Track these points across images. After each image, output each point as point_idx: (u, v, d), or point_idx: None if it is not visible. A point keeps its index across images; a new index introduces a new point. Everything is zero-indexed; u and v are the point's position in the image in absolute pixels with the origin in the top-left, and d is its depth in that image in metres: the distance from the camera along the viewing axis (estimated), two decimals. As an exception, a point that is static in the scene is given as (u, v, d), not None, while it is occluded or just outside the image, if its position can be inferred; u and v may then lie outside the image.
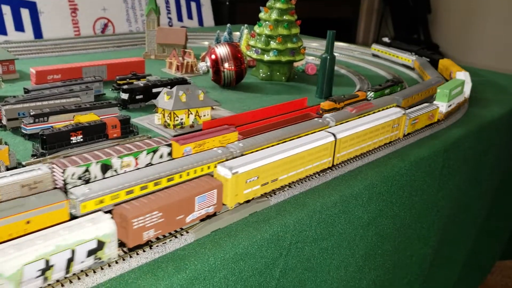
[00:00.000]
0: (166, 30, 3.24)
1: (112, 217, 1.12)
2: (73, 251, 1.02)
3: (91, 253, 1.06)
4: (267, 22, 2.80)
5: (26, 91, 2.09)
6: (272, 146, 1.54)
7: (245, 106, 2.36)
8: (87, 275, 1.07)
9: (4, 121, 1.86)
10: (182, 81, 2.34)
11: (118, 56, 2.96)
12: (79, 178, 1.30)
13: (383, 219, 1.82)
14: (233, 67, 2.56)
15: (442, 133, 2.21)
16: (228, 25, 3.42)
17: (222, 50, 2.56)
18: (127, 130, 1.80)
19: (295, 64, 3.06)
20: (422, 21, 7.47)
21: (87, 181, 1.32)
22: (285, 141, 1.58)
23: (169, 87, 2.13)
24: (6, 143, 1.57)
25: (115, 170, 1.38)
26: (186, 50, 3.02)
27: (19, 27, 4.27)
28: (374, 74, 3.20)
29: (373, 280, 1.90)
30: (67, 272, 1.03)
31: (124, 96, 2.16)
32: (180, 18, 5.10)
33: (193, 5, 5.18)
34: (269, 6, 2.81)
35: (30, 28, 4.30)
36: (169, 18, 5.05)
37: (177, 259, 1.18)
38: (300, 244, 1.45)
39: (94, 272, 1.08)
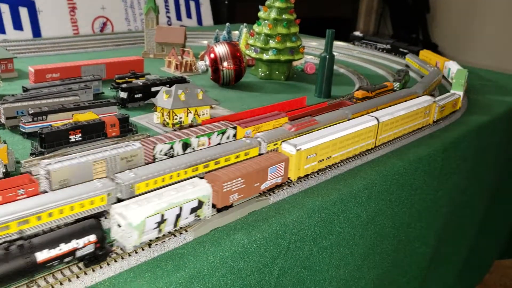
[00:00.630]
0: (165, 29, 3.24)
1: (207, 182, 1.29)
2: (180, 208, 1.21)
3: (193, 210, 1.25)
4: (266, 21, 2.80)
5: (25, 89, 2.08)
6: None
7: (244, 105, 2.35)
8: (86, 273, 1.07)
9: (2, 120, 1.86)
10: (181, 80, 2.34)
11: (117, 55, 2.95)
12: (165, 154, 1.50)
13: (382, 218, 1.82)
14: (232, 66, 2.56)
15: (442, 132, 2.21)
16: (227, 24, 3.41)
17: (221, 49, 2.56)
18: (126, 128, 1.80)
19: (294, 63, 3.06)
20: (421, 21, 7.47)
21: (171, 156, 1.49)
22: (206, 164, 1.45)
23: (168, 86, 2.12)
24: (4, 142, 1.56)
25: (193, 148, 1.57)
26: (185, 49, 3.01)
27: (17, 25, 4.27)
28: (373, 73, 3.20)
29: (372, 279, 1.90)
30: (175, 226, 1.22)
31: (123, 94, 2.15)
32: (179, 17, 5.09)
33: (192, 4, 5.18)
34: (268, 5, 2.81)
35: (29, 26, 4.29)
36: (168, 17, 5.04)
37: (176, 258, 1.18)
38: (299, 243, 1.45)
39: (93, 270, 1.08)
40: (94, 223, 1.11)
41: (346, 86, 2.80)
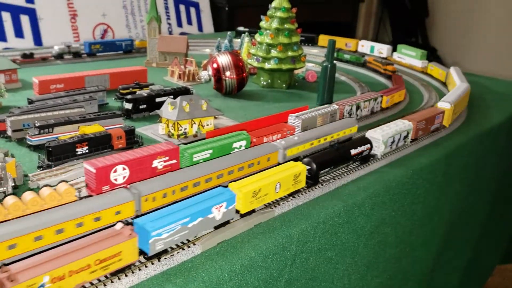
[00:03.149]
0: (167, 38, 3.26)
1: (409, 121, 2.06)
2: (400, 135, 1.98)
3: (404, 137, 2.01)
4: (268, 31, 2.82)
5: (30, 101, 2.10)
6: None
7: (247, 114, 2.37)
8: (96, 287, 1.09)
9: (9, 132, 1.88)
10: (184, 91, 2.36)
11: (119, 64, 2.97)
12: (348, 113, 2.21)
13: (385, 227, 1.84)
14: (234, 76, 2.58)
15: (444, 140, 2.23)
16: (229, 32, 3.44)
17: (223, 59, 2.58)
18: (132, 140, 1.82)
19: (296, 71, 3.08)
20: (420, 25, 7.51)
21: (350, 115, 2.23)
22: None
23: (172, 96, 2.14)
24: (12, 155, 1.58)
25: (361, 110, 2.30)
26: (187, 58, 3.03)
27: (19, 33, 4.29)
28: (373, 81, 3.23)
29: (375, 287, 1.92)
30: (396, 145, 1.98)
31: (128, 106, 2.17)
32: (179, 24, 5.12)
33: (193, 11, 5.20)
34: (269, 15, 2.83)
35: (30, 34, 4.31)
36: (169, 24, 5.07)
37: (185, 272, 1.19)
38: (305, 254, 1.46)
39: (104, 285, 1.10)
40: (367, 138, 1.87)
41: (347, 94, 2.81)
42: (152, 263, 1.19)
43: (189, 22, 5.16)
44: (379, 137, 1.87)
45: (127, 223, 1.20)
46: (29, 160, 1.72)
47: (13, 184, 1.47)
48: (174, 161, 1.54)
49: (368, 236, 1.75)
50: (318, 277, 1.55)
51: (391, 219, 1.86)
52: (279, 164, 1.63)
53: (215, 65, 2.58)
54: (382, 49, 3.81)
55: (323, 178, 1.69)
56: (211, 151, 1.62)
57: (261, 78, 2.94)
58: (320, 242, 1.51)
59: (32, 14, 4.37)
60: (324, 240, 1.53)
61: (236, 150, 1.69)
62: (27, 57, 3.16)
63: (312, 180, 1.62)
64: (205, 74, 2.78)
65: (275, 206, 1.50)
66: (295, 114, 1.96)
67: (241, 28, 4.16)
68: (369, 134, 1.90)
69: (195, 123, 1.99)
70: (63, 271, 1.00)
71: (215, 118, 2.13)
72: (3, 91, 2.28)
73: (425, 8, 7.44)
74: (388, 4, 7.79)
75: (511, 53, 6.61)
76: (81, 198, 1.37)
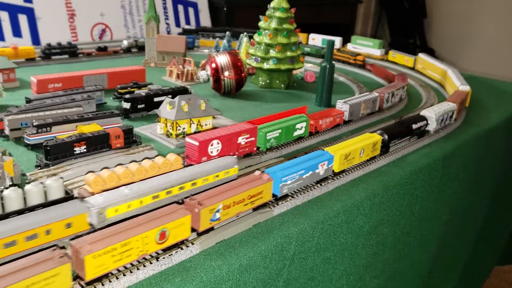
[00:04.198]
0: (165, 38, 3.25)
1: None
2: (447, 114, 2.27)
3: (446, 120, 2.30)
4: (266, 31, 2.82)
5: (28, 100, 2.09)
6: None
7: (246, 114, 2.37)
8: (95, 287, 1.09)
9: (7, 131, 1.87)
10: (183, 90, 2.35)
11: (117, 63, 2.97)
12: (386, 100, 2.46)
13: (383, 228, 1.84)
14: (233, 76, 2.58)
15: (442, 141, 2.23)
16: (228, 33, 3.43)
17: (222, 59, 2.58)
18: (130, 140, 1.81)
19: (294, 71, 3.08)
20: (418, 26, 7.52)
21: (387, 102, 2.50)
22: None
23: (170, 96, 2.14)
24: (10, 154, 1.58)
25: (394, 97, 2.55)
26: (186, 58, 3.03)
27: (17, 33, 4.27)
28: (372, 81, 3.23)
29: (374, 288, 1.91)
30: (441, 125, 2.25)
31: (126, 105, 2.16)
32: (178, 24, 5.11)
33: (191, 10, 5.19)
34: (268, 15, 2.83)
35: (28, 34, 4.30)
36: (167, 23, 5.06)
37: (183, 271, 1.19)
38: (303, 254, 1.46)
39: (103, 284, 1.10)
40: (423, 116, 2.17)
41: (346, 94, 2.81)
42: (151, 263, 1.18)
43: (188, 22, 5.14)
44: (433, 115, 2.17)
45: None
46: (27, 159, 1.71)
47: (10, 183, 1.46)
48: (253, 138, 1.78)
49: (367, 236, 1.75)
50: (316, 277, 1.55)
51: (389, 220, 1.86)
52: (95, 230, 1.18)
53: (213, 65, 2.58)
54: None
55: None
56: (279, 130, 1.87)
57: (260, 78, 2.94)
58: (318, 242, 1.51)
59: (30, 14, 4.35)
60: (322, 240, 1.52)
61: (297, 130, 1.94)
62: (102, 50, 3.44)
63: (384, 148, 1.92)
64: (203, 74, 2.77)
65: (274, 206, 1.49)
66: (343, 100, 2.23)
67: (187, 27, 4.24)
68: (424, 112, 2.20)
69: (193, 123, 1.99)
70: (230, 201, 1.34)
71: (214, 118, 2.12)
72: (1, 90, 2.27)
73: (424, 9, 7.45)
74: (386, 5, 7.80)
75: (509, 54, 6.63)
76: (185, 166, 1.57)
